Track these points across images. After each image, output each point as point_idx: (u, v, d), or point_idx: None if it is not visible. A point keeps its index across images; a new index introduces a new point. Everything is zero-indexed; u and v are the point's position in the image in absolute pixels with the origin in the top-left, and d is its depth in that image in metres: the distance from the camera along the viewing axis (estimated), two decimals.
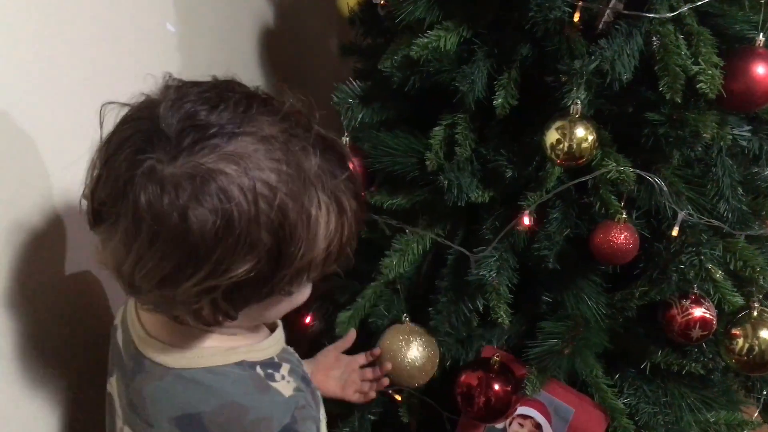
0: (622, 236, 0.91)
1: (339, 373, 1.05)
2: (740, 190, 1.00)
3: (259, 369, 0.71)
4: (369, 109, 1.08)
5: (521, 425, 1.06)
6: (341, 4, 1.22)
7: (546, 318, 1.05)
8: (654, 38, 0.90)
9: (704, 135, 0.90)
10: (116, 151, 0.60)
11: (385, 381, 1.06)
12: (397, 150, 1.05)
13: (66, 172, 0.82)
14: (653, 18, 0.88)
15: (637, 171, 0.92)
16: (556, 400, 1.05)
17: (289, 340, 0.81)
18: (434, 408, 1.12)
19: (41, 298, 0.82)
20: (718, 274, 0.97)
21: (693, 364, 1.03)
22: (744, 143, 0.99)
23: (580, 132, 0.88)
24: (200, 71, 0.66)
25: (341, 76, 1.12)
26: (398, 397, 1.13)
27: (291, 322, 0.90)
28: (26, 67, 0.78)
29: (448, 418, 1.11)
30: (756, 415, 1.17)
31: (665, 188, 0.92)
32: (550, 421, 1.05)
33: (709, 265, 0.96)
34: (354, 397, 1.06)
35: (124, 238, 0.59)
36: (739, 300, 0.97)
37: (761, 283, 0.97)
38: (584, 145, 0.88)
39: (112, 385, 0.78)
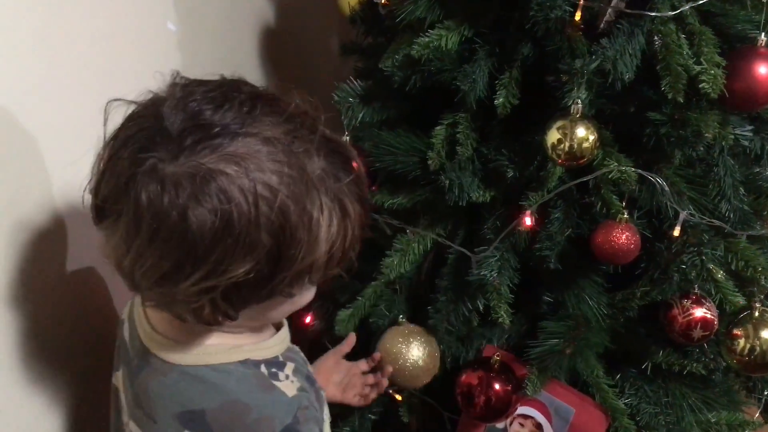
0: (624, 236, 0.90)
1: (340, 377, 1.05)
2: (742, 190, 1.00)
3: (263, 368, 0.71)
4: (370, 109, 1.08)
5: (522, 425, 1.06)
6: (342, 3, 1.21)
7: (547, 318, 1.05)
8: (656, 38, 0.90)
9: (706, 135, 0.89)
10: (120, 148, 0.60)
11: (386, 382, 1.06)
12: (398, 149, 1.04)
13: (67, 170, 0.82)
14: (655, 17, 0.88)
15: (639, 171, 0.92)
16: (557, 400, 1.05)
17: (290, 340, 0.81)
18: (435, 408, 1.12)
19: (44, 297, 0.82)
20: (720, 275, 0.97)
21: (694, 365, 1.03)
22: (746, 143, 0.99)
23: (581, 132, 0.88)
24: (201, 70, 0.66)
25: (342, 75, 1.12)
26: (399, 397, 1.13)
27: (291, 321, 0.90)
28: (27, 67, 0.78)
29: (449, 417, 1.12)
30: (757, 415, 1.17)
31: (667, 188, 0.92)
32: (550, 421, 1.05)
33: (711, 266, 0.96)
34: (354, 400, 1.06)
35: (124, 236, 0.59)
36: (741, 300, 0.96)
37: (763, 283, 0.97)
38: (585, 144, 0.88)
39: (118, 379, 0.78)
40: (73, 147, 0.82)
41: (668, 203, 0.94)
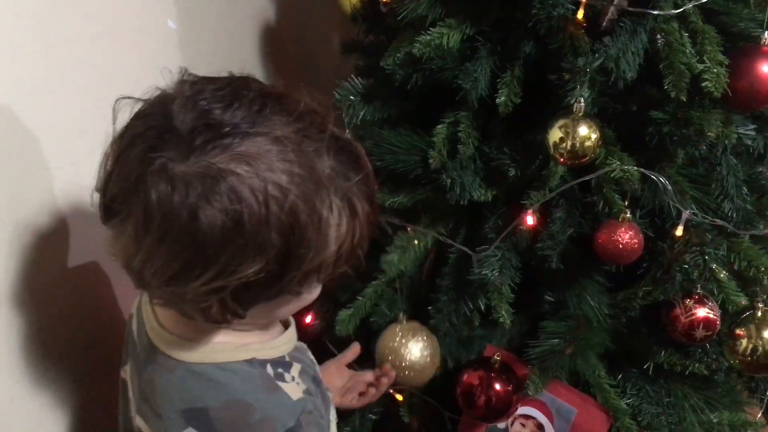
0: (627, 236, 0.90)
1: (341, 383, 1.05)
2: (745, 190, 0.99)
3: (269, 367, 0.71)
4: (371, 107, 1.08)
5: (523, 425, 1.06)
6: (343, 1, 1.21)
7: (548, 318, 1.05)
8: (659, 36, 0.89)
9: (709, 134, 0.89)
10: (128, 146, 0.60)
11: (386, 382, 1.05)
12: (399, 148, 1.04)
13: (69, 169, 0.83)
14: (658, 15, 0.88)
15: (641, 170, 0.91)
16: (559, 401, 1.05)
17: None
18: (435, 407, 1.11)
19: (46, 296, 0.82)
20: (722, 274, 0.97)
21: (696, 365, 1.03)
22: (749, 142, 0.99)
23: (583, 130, 0.87)
24: (201, 69, 0.65)
25: (343, 74, 1.12)
26: (399, 397, 1.12)
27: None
28: (27, 66, 0.78)
29: (450, 417, 1.11)
30: (759, 415, 1.17)
31: (669, 187, 0.91)
32: (552, 422, 1.05)
33: (713, 265, 0.96)
34: (353, 402, 1.06)
35: (134, 235, 0.59)
36: (743, 300, 0.96)
37: (765, 283, 0.97)
38: (587, 143, 0.88)
39: (126, 372, 0.78)
40: (74, 146, 0.82)
41: (671, 202, 0.93)
